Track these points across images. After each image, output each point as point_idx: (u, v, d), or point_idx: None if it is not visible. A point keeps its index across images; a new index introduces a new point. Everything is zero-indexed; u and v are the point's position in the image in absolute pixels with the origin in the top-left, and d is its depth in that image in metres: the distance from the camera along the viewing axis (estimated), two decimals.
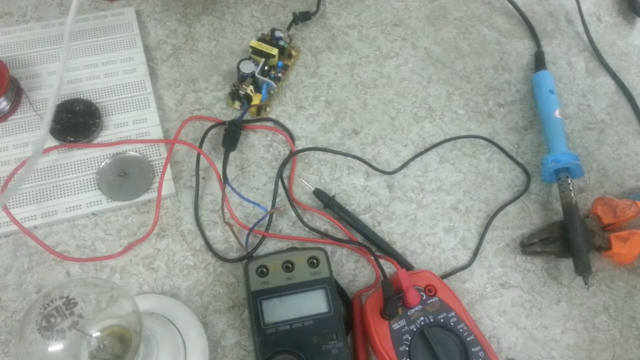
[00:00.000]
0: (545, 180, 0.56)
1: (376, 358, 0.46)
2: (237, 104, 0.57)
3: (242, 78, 0.56)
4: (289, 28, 0.61)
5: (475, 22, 0.65)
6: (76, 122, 0.53)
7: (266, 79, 0.56)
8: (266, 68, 0.56)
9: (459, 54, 0.63)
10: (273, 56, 0.57)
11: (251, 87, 0.56)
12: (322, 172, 0.55)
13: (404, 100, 0.60)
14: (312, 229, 0.51)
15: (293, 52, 0.60)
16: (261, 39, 0.58)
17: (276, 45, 0.58)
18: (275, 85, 0.56)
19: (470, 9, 0.66)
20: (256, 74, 0.56)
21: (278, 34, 0.58)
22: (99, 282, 0.38)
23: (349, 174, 0.55)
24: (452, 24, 0.65)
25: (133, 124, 0.55)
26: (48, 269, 0.49)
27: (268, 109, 0.57)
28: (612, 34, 0.66)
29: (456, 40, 0.64)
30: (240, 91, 0.55)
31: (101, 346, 0.35)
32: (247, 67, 0.56)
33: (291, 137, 0.56)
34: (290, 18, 0.62)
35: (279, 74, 0.58)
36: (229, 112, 0.57)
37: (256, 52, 0.57)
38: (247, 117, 0.57)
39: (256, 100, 0.56)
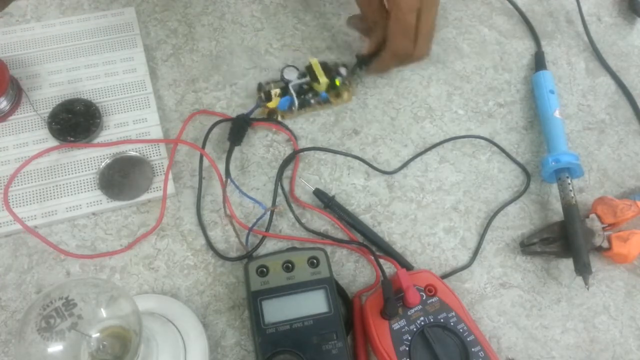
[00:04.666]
0: (545, 180, 0.56)
1: (376, 358, 0.46)
2: (262, 95, 0.56)
3: (282, 80, 0.56)
4: (352, 72, 0.58)
5: (475, 22, 0.65)
6: (76, 122, 0.53)
7: (293, 95, 0.55)
8: (305, 87, 0.56)
9: (459, 54, 0.63)
10: (319, 83, 0.55)
11: (278, 90, 0.55)
12: (322, 172, 0.55)
13: (404, 100, 0.60)
14: (310, 230, 0.51)
15: (345, 94, 0.58)
16: (323, 63, 0.57)
17: (331, 78, 0.56)
18: (297, 105, 0.55)
19: (470, 9, 0.66)
20: (290, 85, 0.55)
21: (342, 70, 0.57)
22: (99, 282, 0.38)
23: (349, 174, 0.55)
24: (452, 24, 0.65)
25: (133, 123, 0.55)
26: (48, 269, 0.49)
27: (281, 118, 0.56)
28: (612, 34, 0.66)
29: (456, 40, 0.64)
30: (268, 88, 0.55)
31: (101, 347, 0.35)
32: (289, 74, 0.56)
33: (294, 136, 0.56)
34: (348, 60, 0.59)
35: (312, 100, 0.56)
36: (229, 113, 0.57)
37: (309, 70, 0.56)
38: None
39: (272, 104, 0.55)
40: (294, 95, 0.55)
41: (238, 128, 0.54)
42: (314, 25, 0.63)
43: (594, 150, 0.58)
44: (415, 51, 0.53)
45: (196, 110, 0.57)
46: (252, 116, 0.55)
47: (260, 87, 0.57)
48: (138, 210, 0.52)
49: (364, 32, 0.57)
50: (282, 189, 0.53)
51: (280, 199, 0.53)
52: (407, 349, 0.43)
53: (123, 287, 0.48)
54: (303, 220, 0.52)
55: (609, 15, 0.68)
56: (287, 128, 0.56)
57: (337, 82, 0.56)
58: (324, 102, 0.57)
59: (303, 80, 0.56)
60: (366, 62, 0.58)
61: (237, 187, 0.52)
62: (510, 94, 0.61)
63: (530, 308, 0.50)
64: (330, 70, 0.57)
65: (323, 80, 0.56)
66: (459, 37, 0.64)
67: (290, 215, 0.52)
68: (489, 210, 0.54)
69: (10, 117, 0.54)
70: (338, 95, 0.58)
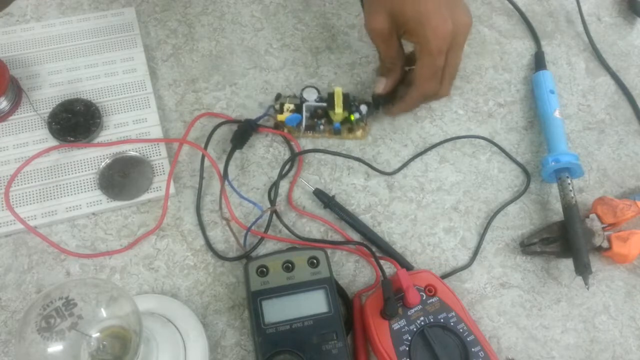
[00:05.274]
0: (545, 180, 0.56)
1: (376, 358, 0.46)
2: (277, 104, 0.56)
3: (299, 97, 0.56)
4: (369, 114, 0.56)
5: (475, 22, 0.65)
6: (76, 122, 0.53)
7: (304, 116, 0.54)
8: (319, 111, 0.55)
9: None
10: (334, 113, 0.54)
11: (292, 106, 0.55)
12: (322, 172, 0.55)
13: None
14: (304, 238, 0.51)
15: (359, 132, 0.56)
16: (346, 95, 0.55)
17: (350, 111, 0.55)
18: (304, 126, 0.55)
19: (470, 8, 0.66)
20: (304, 104, 0.55)
21: (363, 107, 0.55)
22: (99, 282, 0.38)
23: (349, 174, 0.55)
24: None
25: (133, 123, 0.55)
26: (48, 269, 0.49)
27: (286, 130, 0.56)
28: (612, 34, 0.66)
29: None
30: (283, 101, 0.55)
31: (101, 347, 0.35)
32: (308, 94, 0.55)
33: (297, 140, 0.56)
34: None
35: (322, 126, 0.55)
36: (229, 113, 0.57)
37: (330, 96, 0.55)
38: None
39: (281, 116, 0.55)
40: (304, 115, 0.54)
41: (242, 132, 0.54)
42: (314, 25, 0.63)
43: (594, 150, 0.58)
44: (440, 91, 0.53)
45: (196, 109, 0.57)
46: (258, 123, 0.55)
47: (278, 97, 0.56)
48: (138, 210, 0.52)
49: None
50: (270, 198, 0.53)
51: (281, 199, 0.53)
52: (407, 349, 0.43)
53: (123, 287, 0.48)
54: (302, 221, 0.52)
55: (608, 15, 0.68)
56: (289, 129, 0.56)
57: (352, 117, 0.55)
58: (335, 132, 0.56)
59: (319, 104, 0.55)
60: (383, 102, 0.56)
61: (234, 189, 0.52)
62: (510, 94, 0.61)
63: (530, 308, 0.50)
64: (351, 103, 0.56)
65: (338, 110, 0.54)
66: None
67: (290, 215, 0.52)
68: (489, 210, 0.54)
69: (10, 117, 0.54)
70: (351, 130, 0.56)
